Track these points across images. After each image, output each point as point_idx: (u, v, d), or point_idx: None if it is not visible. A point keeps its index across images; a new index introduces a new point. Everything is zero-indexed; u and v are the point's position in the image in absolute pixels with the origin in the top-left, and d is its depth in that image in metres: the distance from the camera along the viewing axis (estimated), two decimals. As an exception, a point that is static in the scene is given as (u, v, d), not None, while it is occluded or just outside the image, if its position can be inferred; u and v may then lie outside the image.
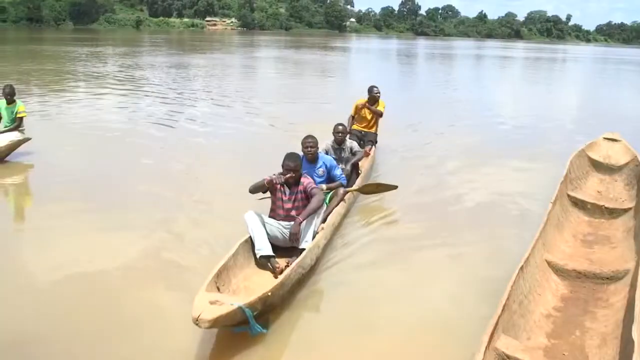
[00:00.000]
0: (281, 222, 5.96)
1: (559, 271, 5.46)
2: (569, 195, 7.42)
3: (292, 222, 5.79)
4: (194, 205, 7.71)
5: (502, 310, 4.16)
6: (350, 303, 5.38)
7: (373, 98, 10.39)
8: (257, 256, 5.56)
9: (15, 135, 9.48)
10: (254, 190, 5.99)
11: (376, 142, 10.59)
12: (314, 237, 5.86)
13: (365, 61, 45.58)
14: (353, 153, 8.30)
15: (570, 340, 4.42)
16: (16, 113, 9.52)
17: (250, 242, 5.66)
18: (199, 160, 10.10)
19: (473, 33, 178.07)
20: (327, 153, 8.09)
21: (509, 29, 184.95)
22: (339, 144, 8.28)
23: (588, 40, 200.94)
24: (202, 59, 36.98)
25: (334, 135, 8.28)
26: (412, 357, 4.47)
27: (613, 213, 7.09)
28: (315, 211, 5.86)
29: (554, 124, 15.99)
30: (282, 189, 6.01)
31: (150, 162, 9.97)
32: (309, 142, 6.84)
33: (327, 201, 6.90)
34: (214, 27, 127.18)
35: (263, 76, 28.77)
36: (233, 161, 10.39)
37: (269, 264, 5.53)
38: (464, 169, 10.25)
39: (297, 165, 5.91)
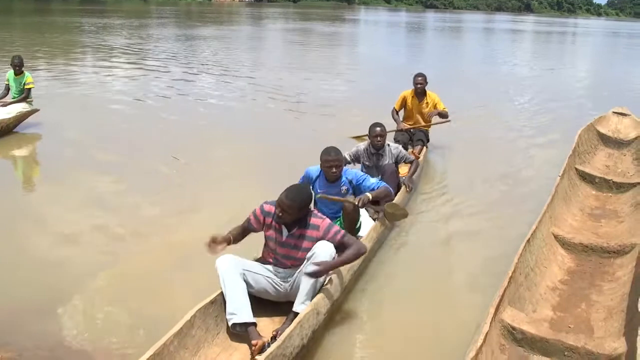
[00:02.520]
0: (273, 268, 4.36)
1: (565, 244, 5.46)
2: (577, 169, 7.39)
3: (289, 268, 4.32)
4: (201, 177, 7.73)
5: (508, 283, 4.17)
6: None
7: (417, 90, 8.76)
8: (230, 323, 3.94)
9: (23, 107, 9.51)
10: (235, 239, 4.43)
11: (428, 140, 8.85)
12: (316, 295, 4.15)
13: (385, 34, 45.22)
14: (397, 161, 6.73)
15: (576, 313, 4.43)
16: (24, 84, 9.51)
17: (220, 302, 4.07)
18: (208, 132, 10.12)
19: (483, 6, 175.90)
20: (356, 159, 6.79)
21: (519, 2, 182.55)
22: (377, 149, 6.62)
23: (599, 14, 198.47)
24: (212, 30, 36.74)
25: (370, 139, 6.60)
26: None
27: (621, 187, 7.06)
28: (347, 262, 4.38)
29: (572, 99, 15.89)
30: (276, 226, 4.31)
31: (159, 133, 9.99)
32: (333, 162, 5.23)
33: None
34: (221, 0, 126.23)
35: (277, 48, 28.59)
36: (243, 138, 10.21)
37: (248, 335, 3.90)
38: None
39: (292, 205, 4.09)
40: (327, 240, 4.18)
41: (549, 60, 28.06)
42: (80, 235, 5.82)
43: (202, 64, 19.46)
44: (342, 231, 4.29)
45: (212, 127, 10.68)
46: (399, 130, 8.70)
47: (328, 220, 4.32)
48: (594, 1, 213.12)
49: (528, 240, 4.84)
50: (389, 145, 6.70)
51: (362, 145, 6.76)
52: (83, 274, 5.02)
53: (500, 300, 3.96)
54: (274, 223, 4.29)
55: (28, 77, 9.57)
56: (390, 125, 8.01)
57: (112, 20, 42.42)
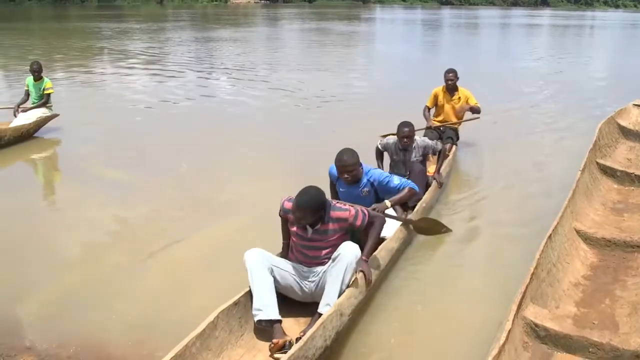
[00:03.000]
0: (298, 266, 4.31)
1: (587, 239, 5.39)
2: (597, 163, 7.30)
3: (314, 266, 4.29)
4: (225, 183, 7.75)
5: (531, 279, 4.13)
6: None
7: (448, 86, 8.65)
8: (255, 319, 3.92)
9: (43, 112, 9.62)
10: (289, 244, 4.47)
11: (458, 138, 8.75)
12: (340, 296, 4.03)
13: (403, 32, 45.05)
14: (425, 153, 6.62)
15: (600, 309, 4.37)
16: (43, 89, 9.60)
17: (243, 304, 4.03)
18: (231, 137, 10.09)
19: (499, 1, 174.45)
20: (385, 149, 6.75)
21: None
22: (404, 148, 6.54)
23: (617, 6, 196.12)
24: (230, 32, 36.84)
25: (398, 139, 6.52)
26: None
27: (643, 181, 6.97)
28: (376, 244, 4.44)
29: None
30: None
31: (179, 138, 9.99)
32: (347, 166, 5.05)
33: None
34: (237, 1, 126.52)
35: (295, 49, 28.61)
36: (264, 140, 10.21)
37: (273, 332, 3.88)
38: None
39: (305, 211, 4.05)
40: (358, 227, 4.29)
41: (568, 54, 27.72)
42: (101, 238, 5.86)
43: (221, 67, 19.52)
44: (366, 212, 4.37)
45: (231, 128, 10.70)
46: (428, 128, 8.59)
47: (352, 211, 4.27)
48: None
49: (550, 236, 4.78)
50: (415, 140, 6.57)
51: (392, 139, 6.69)
52: (104, 276, 5.07)
53: (523, 297, 3.92)
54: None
55: (47, 82, 9.66)
56: (418, 123, 7.84)
57: (129, 25, 42.71)
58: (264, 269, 4.07)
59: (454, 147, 8.34)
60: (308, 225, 4.21)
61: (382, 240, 5.09)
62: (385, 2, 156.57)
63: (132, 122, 11.03)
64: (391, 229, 5.38)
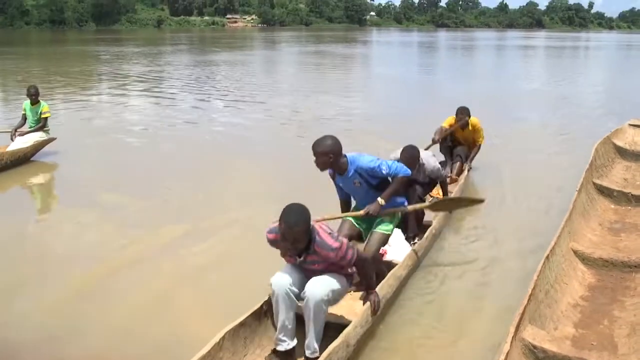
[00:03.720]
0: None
1: (585, 260, 5.37)
2: (594, 183, 7.31)
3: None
4: (221, 206, 7.72)
5: (528, 300, 4.11)
6: None
7: (460, 125, 8.47)
8: (276, 348, 3.90)
9: (40, 135, 9.62)
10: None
11: (467, 159, 8.58)
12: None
13: (399, 54, 45.38)
14: (431, 177, 6.43)
15: (599, 329, 4.35)
16: (41, 113, 9.61)
17: (249, 324, 3.96)
18: (226, 160, 10.08)
19: (494, 23, 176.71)
20: None
21: (530, 19, 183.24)
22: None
23: (611, 28, 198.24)
24: (229, 56, 37.07)
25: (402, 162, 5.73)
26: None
27: (640, 200, 6.98)
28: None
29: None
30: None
31: (175, 162, 9.97)
32: (315, 154, 4.56)
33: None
34: (234, 25, 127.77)
35: (293, 72, 28.76)
36: (259, 160, 10.24)
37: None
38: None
39: (299, 229, 3.61)
40: (344, 266, 3.94)
41: (564, 75, 27.92)
42: (98, 261, 5.82)
43: (219, 90, 19.62)
44: (353, 255, 3.89)
45: (228, 152, 10.69)
46: (435, 143, 8.30)
47: (339, 252, 3.80)
48: (606, 15, 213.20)
49: (547, 257, 4.77)
50: (423, 164, 6.26)
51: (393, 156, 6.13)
52: (105, 297, 5.03)
53: (521, 319, 3.89)
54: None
55: (44, 106, 9.68)
56: (422, 143, 7.66)
57: (127, 48, 43.01)
58: (288, 300, 3.85)
59: (465, 171, 8.22)
60: (296, 256, 3.87)
61: (391, 265, 5.07)
62: (382, 24, 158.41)
63: (129, 146, 11.03)
64: (400, 253, 5.34)
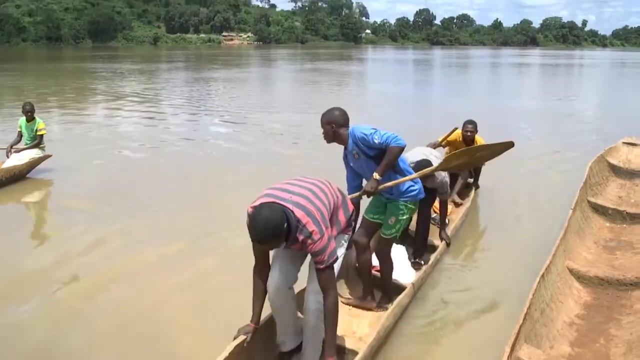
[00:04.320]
0: None
1: (580, 278, 5.38)
2: (589, 201, 7.34)
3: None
4: (215, 224, 7.71)
5: (524, 319, 4.10)
6: None
7: (466, 137, 8.02)
8: (278, 350, 3.99)
9: (35, 152, 9.62)
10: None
11: (472, 175, 8.45)
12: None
13: (396, 72, 45.57)
14: (439, 191, 6.13)
15: (595, 348, 4.34)
16: (36, 130, 9.61)
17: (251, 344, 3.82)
18: (220, 179, 10.05)
19: (489, 41, 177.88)
20: None
21: (524, 36, 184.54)
22: None
23: (604, 45, 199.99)
24: (225, 73, 37.17)
25: None
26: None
27: (635, 218, 6.99)
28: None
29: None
30: None
31: (170, 180, 9.94)
32: (321, 126, 4.59)
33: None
34: (230, 42, 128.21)
35: (290, 89, 28.84)
36: (254, 181, 10.23)
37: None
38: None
39: (267, 236, 3.32)
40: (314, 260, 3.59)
41: (558, 93, 28.04)
42: (94, 280, 5.80)
43: (214, 108, 19.64)
44: (329, 260, 3.56)
45: (223, 171, 10.66)
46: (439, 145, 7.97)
47: (319, 243, 3.49)
48: (599, 32, 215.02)
49: (542, 275, 4.77)
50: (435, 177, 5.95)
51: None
52: (98, 319, 5.00)
53: (516, 338, 3.89)
54: None
55: (40, 123, 9.68)
56: None
57: (123, 65, 43.09)
58: (285, 296, 3.82)
59: (472, 193, 8.03)
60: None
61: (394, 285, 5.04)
62: (377, 42, 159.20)
63: (124, 164, 11.02)
64: (404, 274, 5.31)
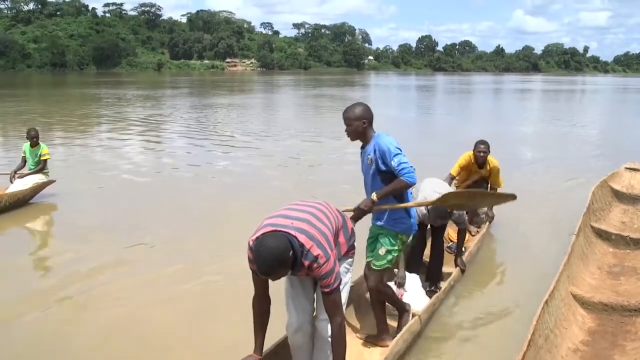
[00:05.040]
0: None
1: (585, 304, 5.35)
2: (592, 227, 7.32)
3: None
4: (217, 253, 7.70)
5: (528, 346, 4.07)
6: None
7: (478, 158, 7.65)
8: None
9: (39, 178, 9.65)
10: None
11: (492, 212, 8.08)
12: None
13: (399, 97, 45.73)
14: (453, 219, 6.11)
15: (600, 375, 4.31)
16: (40, 155, 9.65)
17: None
18: (223, 206, 10.03)
19: (491, 67, 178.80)
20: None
21: (526, 63, 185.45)
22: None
23: (606, 71, 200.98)
24: (231, 99, 37.35)
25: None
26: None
27: (638, 243, 6.96)
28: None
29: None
30: None
31: (173, 206, 9.92)
32: (345, 118, 4.40)
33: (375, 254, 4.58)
34: (234, 68, 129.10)
35: (294, 116, 28.95)
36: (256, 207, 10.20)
37: None
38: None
39: (274, 269, 3.29)
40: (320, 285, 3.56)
41: (560, 118, 28.09)
42: (96, 306, 5.79)
43: (219, 135, 19.66)
44: (335, 284, 3.52)
45: (226, 198, 10.64)
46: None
47: (326, 266, 3.44)
48: (601, 59, 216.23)
49: (546, 301, 4.75)
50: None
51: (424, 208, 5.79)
52: (94, 345, 4.99)
53: (521, 364, 3.86)
54: None
55: (44, 148, 9.73)
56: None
57: (128, 91, 43.36)
58: (306, 334, 3.86)
59: (486, 224, 7.86)
60: None
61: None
62: (380, 68, 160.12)
63: (128, 189, 11.04)
64: (416, 301, 5.27)
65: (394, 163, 4.23)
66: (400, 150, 4.27)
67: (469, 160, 7.72)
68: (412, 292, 5.44)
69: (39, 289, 6.28)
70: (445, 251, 6.43)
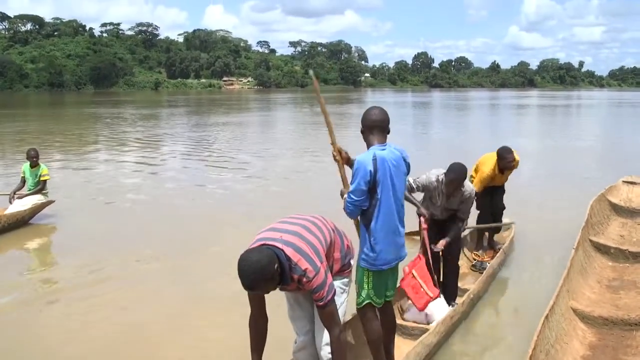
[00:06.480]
0: None
1: (585, 318, 5.35)
2: (591, 241, 7.33)
3: None
4: (211, 276, 7.69)
5: (529, 361, 4.08)
6: None
7: (503, 167, 7.26)
8: None
9: (38, 198, 9.64)
10: None
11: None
12: None
13: (398, 114, 45.79)
14: (462, 202, 5.63)
15: (601, 389, 4.31)
16: (40, 176, 9.65)
17: None
18: (221, 226, 9.94)
19: (487, 83, 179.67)
20: (423, 189, 5.61)
21: (522, 78, 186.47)
22: (449, 195, 5.56)
23: (602, 86, 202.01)
24: (230, 118, 37.43)
25: (445, 184, 5.50)
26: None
27: (637, 257, 6.97)
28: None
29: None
30: None
31: (171, 228, 9.83)
32: (375, 120, 4.07)
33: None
34: (231, 87, 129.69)
35: (294, 134, 29.03)
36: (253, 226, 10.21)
37: None
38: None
39: (257, 290, 3.36)
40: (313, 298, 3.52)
41: (556, 132, 28.25)
42: (96, 330, 5.77)
43: (216, 154, 19.69)
44: (329, 295, 3.47)
45: (223, 220, 10.54)
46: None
47: (317, 279, 3.40)
48: (596, 73, 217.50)
49: (547, 316, 4.74)
50: (463, 188, 5.57)
51: (435, 177, 5.56)
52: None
53: (523, 379, 3.86)
54: None
55: (44, 169, 9.73)
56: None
57: (125, 110, 43.43)
58: (312, 353, 3.84)
59: (513, 227, 7.90)
60: None
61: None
62: (376, 85, 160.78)
63: (127, 209, 11.02)
64: (436, 310, 5.24)
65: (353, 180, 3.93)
66: (360, 178, 3.85)
67: (494, 171, 7.26)
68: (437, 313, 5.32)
69: (37, 309, 6.27)
70: (470, 270, 6.76)
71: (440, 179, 5.52)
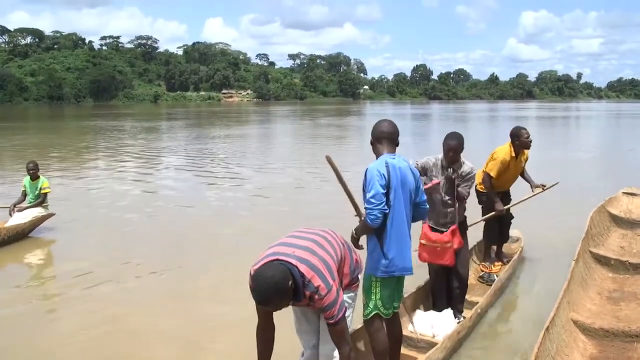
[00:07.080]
0: None
1: (585, 330, 5.34)
2: (591, 252, 7.32)
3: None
4: (213, 286, 7.68)
5: (530, 373, 4.07)
6: None
7: (520, 147, 7.27)
8: None
9: (38, 211, 9.64)
10: None
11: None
12: None
13: (404, 125, 45.84)
14: (464, 179, 5.63)
15: (603, 401, 4.29)
16: (40, 189, 9.66)
17: None
18: (218, 239, 9.96)
19: (486, 95, 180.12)
20: (423, 172, 5.59)
21: (521, 90, 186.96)
22: (450, 163, 5.54)
23: (600, 97, 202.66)
24: (230, 130, 37.47)
25: (444, 153, 5.55)
26: None
27: (638, 268, 6.96)
28: None
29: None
30: None
31: (170, 241, 9.83)
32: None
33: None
34: (230, 99, 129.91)
35: (293, 146, 29.06)
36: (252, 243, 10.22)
37: None
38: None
39: (273, 301, 3.32)
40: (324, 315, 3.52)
41: (556, 143, 28.30)
42: (97, 344, 5.74)
43: (216, 168, 19.75)
44: (339, 314, 3.46)
45: (224, 233, 10.56)
46: (498, 213, 7.19)
47: (328, 298, 3.41)
48: (594, 85, 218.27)
49: (547, 328, 4.73)
50: (463, 161, 5.63)
51: (433, 158, 5.68)
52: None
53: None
54: None
55: (44, 182, 9.73)
56: None
57: (125, 123, 43.46)
58: None
59: (522, 241, 8.05)
60: None
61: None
62: (375, 97, 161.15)
63: (127, 222, 10.97)
64: (442, 326, 5.23)
65: (367, 193, 4.00)
66: (376, 182, 3.94)
67: (510, 154, 7.15)
68: (440, 320, 5.34)
69: (35, 322, 6.25)
70: (478, 281, 6.79)
71: (440, 157, 5.62)
